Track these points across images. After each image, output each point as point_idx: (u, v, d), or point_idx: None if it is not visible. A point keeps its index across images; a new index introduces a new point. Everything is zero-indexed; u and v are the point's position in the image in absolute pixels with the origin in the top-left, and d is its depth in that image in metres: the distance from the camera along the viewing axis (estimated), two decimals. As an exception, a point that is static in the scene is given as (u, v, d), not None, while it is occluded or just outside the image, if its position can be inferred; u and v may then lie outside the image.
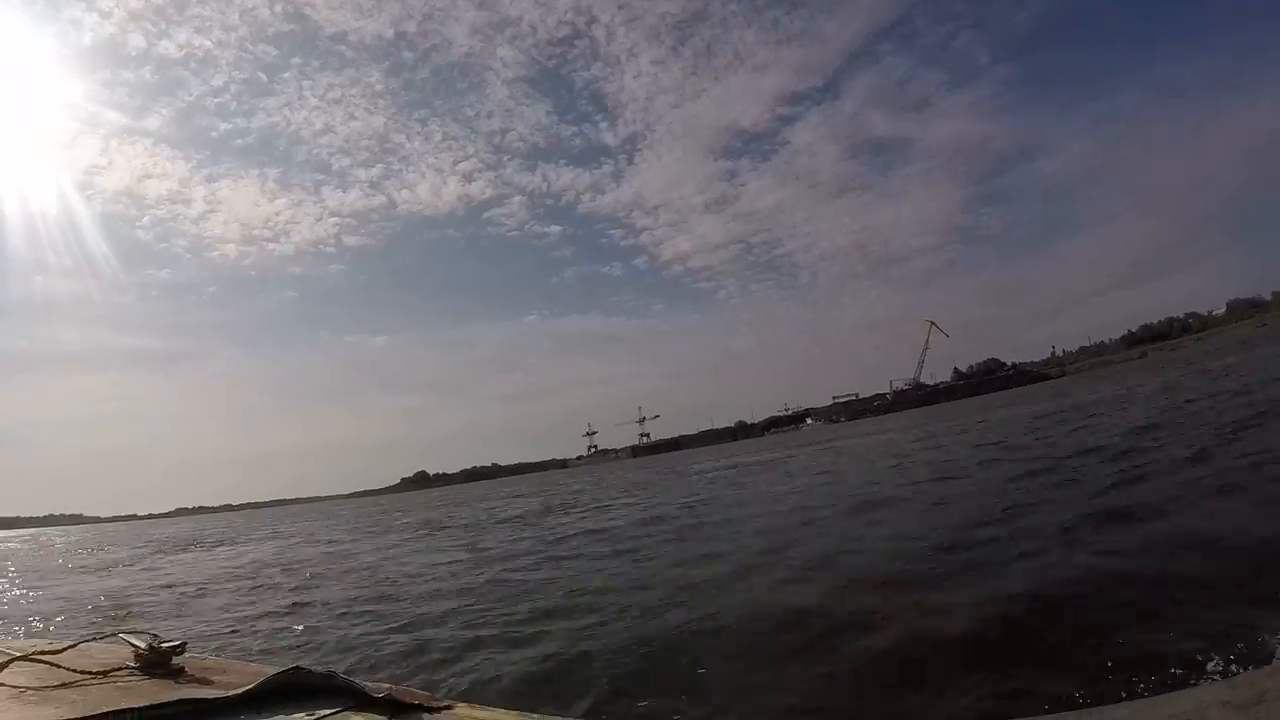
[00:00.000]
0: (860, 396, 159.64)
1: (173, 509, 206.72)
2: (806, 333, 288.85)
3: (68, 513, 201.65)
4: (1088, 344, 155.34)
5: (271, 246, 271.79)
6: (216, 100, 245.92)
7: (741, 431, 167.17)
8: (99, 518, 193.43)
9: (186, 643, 2.06)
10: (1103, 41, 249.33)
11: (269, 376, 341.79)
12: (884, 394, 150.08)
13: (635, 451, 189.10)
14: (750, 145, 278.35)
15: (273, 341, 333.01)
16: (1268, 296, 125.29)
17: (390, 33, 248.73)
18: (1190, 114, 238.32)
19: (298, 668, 1.71)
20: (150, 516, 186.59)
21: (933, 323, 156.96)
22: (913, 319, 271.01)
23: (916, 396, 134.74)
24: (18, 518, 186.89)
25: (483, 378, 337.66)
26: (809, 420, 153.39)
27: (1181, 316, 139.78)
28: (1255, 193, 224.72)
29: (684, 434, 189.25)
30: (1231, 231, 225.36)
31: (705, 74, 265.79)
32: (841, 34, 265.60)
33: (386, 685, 1.88)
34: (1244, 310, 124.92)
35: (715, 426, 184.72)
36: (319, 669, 1.69)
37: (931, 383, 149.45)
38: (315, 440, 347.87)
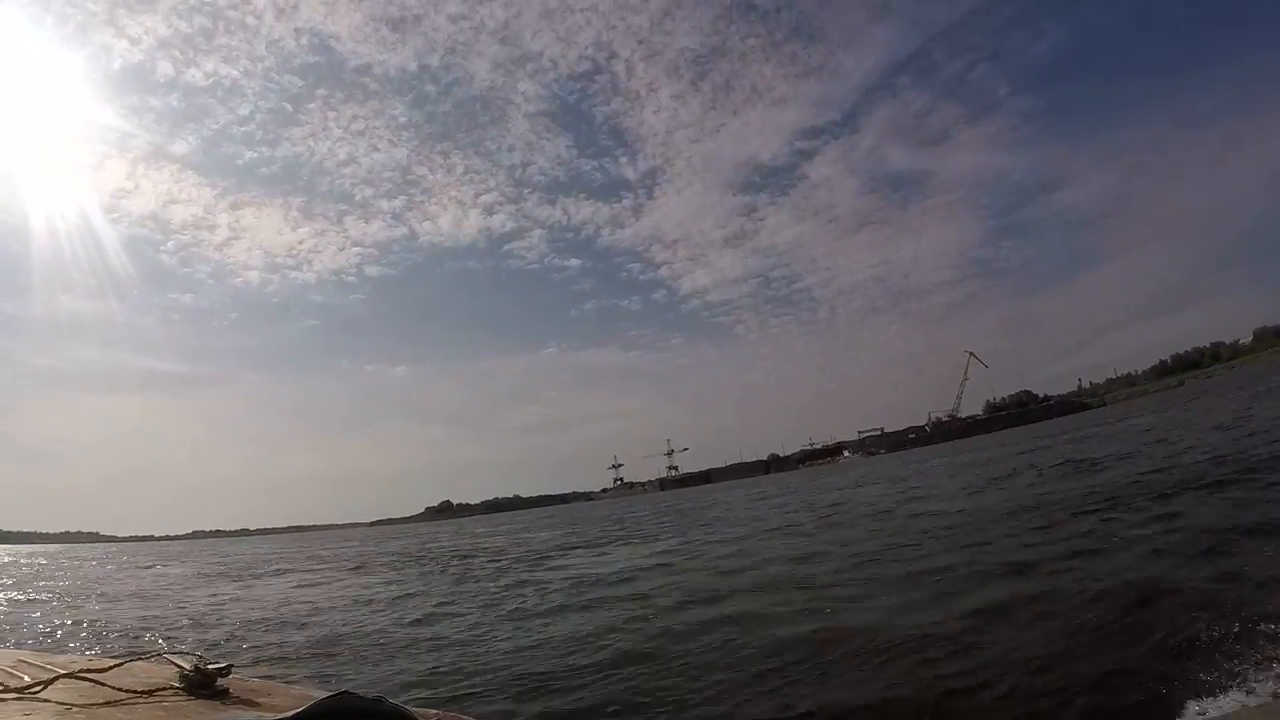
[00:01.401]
0: (885, 431, 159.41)
1: (189, 531, 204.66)
2: (826, 367, 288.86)
3: (85, 530, 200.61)
4: (1114, 375, 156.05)
5: (294, 275, 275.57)
6: (242, 129, 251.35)
7: (775, 464, 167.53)
8: (115, 536, 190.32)
9: (232, 665, 2.09)
10: (1121, 72, 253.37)
11: (288, 403, 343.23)
12: (921, 426, 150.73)
13: (663, 484, 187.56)
14: (769, 179, 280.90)
15: (293, 369, 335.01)
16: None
17: (414, 66, 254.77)
18: (1209, 142, 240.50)
19: (345, 692, 1.67)
20: (166, 538, 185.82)
21: (971, 353, 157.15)
22: (932, 353, 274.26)
23: (956, 428, 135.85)
24: (35, 533, 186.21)
25: (502, 409, 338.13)
26: (846, 453, 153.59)
27: (1208, 345, 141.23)
28: (1276, 220, 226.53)
29: (713, 467, 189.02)
30: (1253, 260, 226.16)
31: (724, 108, 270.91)
32: (859, 68, 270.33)
33: (435, 711, 1.94)
34: (1271, 338, 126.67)
35: (744, 460, 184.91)
36: (368, 694, 1.66)
37: (963, 415, 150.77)
38: (334, 468, 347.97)
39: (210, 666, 2.05)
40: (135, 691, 1.89)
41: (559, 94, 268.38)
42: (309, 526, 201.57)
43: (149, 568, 34.58)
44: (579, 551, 23.62)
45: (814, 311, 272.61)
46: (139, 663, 2.28)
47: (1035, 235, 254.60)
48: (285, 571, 26.98)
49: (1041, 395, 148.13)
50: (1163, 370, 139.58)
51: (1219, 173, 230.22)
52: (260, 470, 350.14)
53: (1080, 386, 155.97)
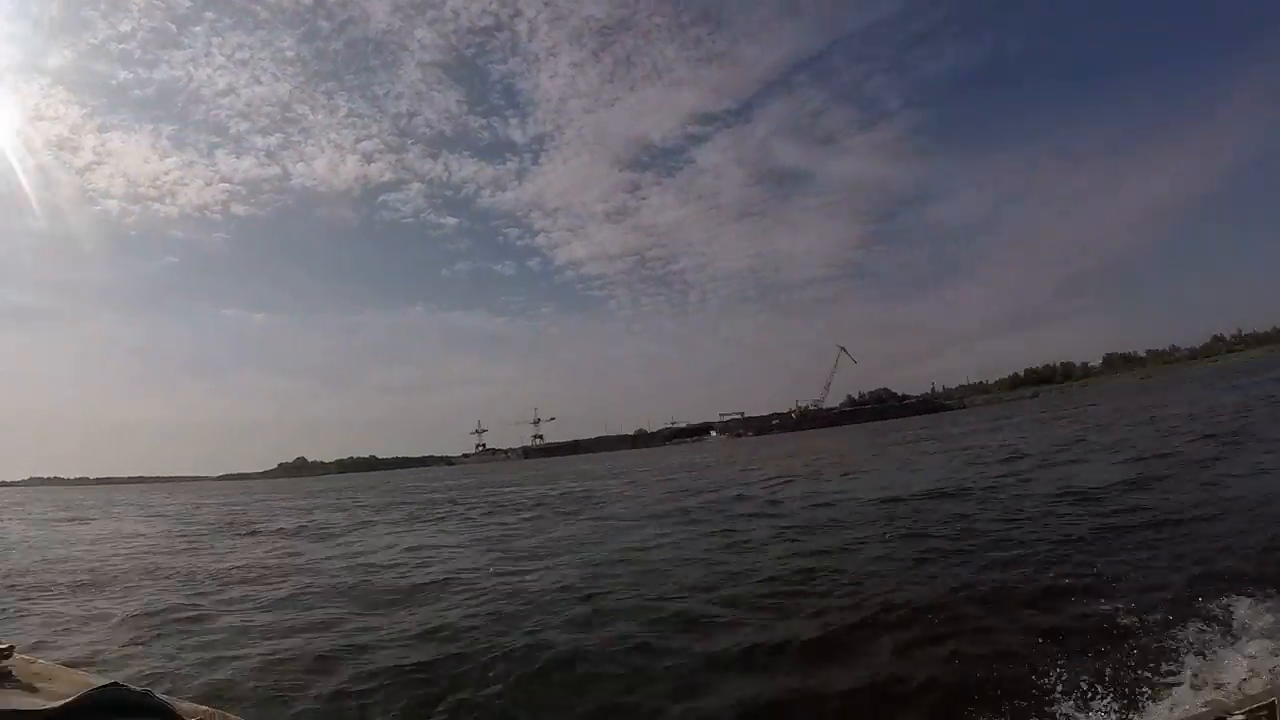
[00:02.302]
0: (746, 415, 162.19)
1: (26, 477, 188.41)
2: (693, 350, 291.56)
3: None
4: (967, 382, 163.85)
5: (156, 207, 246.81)
6: (121, 46, 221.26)
7: (642, 440, 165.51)
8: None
9: (14, 646, 1.96)
10: (1011, 101, 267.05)
11: (139, 344, 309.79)
12: (787, 413, 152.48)
13: (528, 452, 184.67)
14: (657, 159, 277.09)
15: (148, 308, 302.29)
16: (1143, 353, 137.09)
17: None
18: (1082, 178, 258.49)
19: (115, 684, 1.65)
20: (3, 484, 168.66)
21: (843, 348, 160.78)
22: (796, 346, 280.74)
23: (823, 417, 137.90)
24: None
25: (364, 366, 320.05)
26: (713, 433, 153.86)
27: (1059, 365, 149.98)
28: (1132, 258, 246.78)
29: (580, 438, 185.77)
30: (1109, 292, 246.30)
31: (622, 83, 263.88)
32: (761, 61, 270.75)
33: (205, 708, 1.88)
34: (1120, 363, 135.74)
35: (609, 434, 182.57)
36: (136, 688, 1.66)
37: (827, 407, 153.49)
38: (183, 416, 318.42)
39: None
40: None
41: (456, 46, 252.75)
42: (154, 478, 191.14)
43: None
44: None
45: (685, 294, 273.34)
46: None
47: (907, 244, 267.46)
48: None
49: (900, 394, 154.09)
50: (1016, 382, 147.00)
51: (1086, 208, 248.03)
52: (104, 414, 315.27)
53: (933, 389, 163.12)
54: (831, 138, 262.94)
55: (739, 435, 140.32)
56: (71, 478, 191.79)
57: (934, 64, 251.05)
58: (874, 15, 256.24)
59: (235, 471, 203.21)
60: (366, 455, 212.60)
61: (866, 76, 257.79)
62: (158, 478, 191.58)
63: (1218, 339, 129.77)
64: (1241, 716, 2.48)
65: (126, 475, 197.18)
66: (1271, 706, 2.38)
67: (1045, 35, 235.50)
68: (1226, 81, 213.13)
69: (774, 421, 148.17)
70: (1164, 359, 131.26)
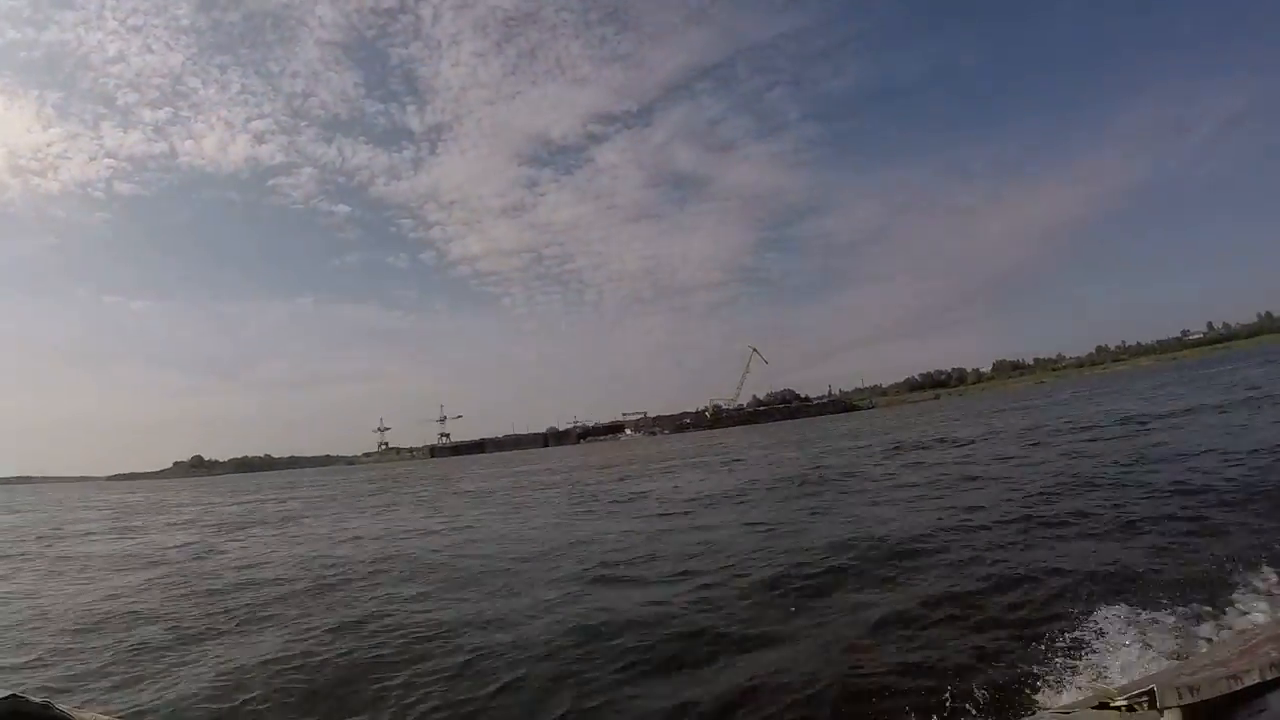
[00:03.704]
0: (648, 415, 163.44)
1: None
2: (589, 350, 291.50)
3: None
4: (862, 385, 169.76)
5: (37, 182, 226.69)
6: (9, 4, 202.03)
7: (554, 438, 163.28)
8: None
9: None
10: (905, 118, 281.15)
11: (11, 331, 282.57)
12: (700, 411, 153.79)
13: (434, 451, 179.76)
14: (556, 156, 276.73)
15: (22, 291, 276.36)
16: (1030, 360, 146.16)
17: None
18: (970, 195, 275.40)
19: (13, 695, 1.61)
20: None
21: (755, 349, 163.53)
22: (693, 347, 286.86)
23: (737, 416, 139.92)
24: None
25: (251, 359, 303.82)
26: (628, 431, 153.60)
27: (952, 370, 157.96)
28: (1017, 272, 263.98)
29: (488, 437, 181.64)
30: (995, 303, 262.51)
31: (524, 76, 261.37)
32: (665, 65, 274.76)
33: (106, 717, 1.85)
34: (1009, 370, 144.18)
35: (517, 432, 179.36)
36: (35, 699, 1.63)
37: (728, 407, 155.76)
38: (63, 412, 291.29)
39: None
40: None
41: (357, 25, 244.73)
42: (39, 478, 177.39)
43: None
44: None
45: (581, 294, 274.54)
46: None
47: (799, 252, 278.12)
48: None
49: (803, 395, 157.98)
50: (914, 385, 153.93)
51: (975, 224, 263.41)
52: None
53: (830, 391, 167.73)
54: (730, 145, 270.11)
55: (654, 434, 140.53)
56: None
57: (835, 80, 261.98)
58: (779, 29, 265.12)
59: (127, 471, 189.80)
60: (261, 454, 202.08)
61: (768, 88, 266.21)
62: (43, 478, 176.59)
63: (1102, 349, 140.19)
64: (1124, 702, 2.60)
65: (8, 475, 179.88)
66: (1151, 693, 2.49)
67: (942, 57, 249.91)
68: (1112, 109, 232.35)
69: (687, 420, 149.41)
70: (1051, 366, 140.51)
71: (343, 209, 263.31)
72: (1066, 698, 4.31)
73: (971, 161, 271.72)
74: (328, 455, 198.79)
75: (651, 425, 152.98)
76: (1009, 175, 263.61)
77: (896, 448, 25.02)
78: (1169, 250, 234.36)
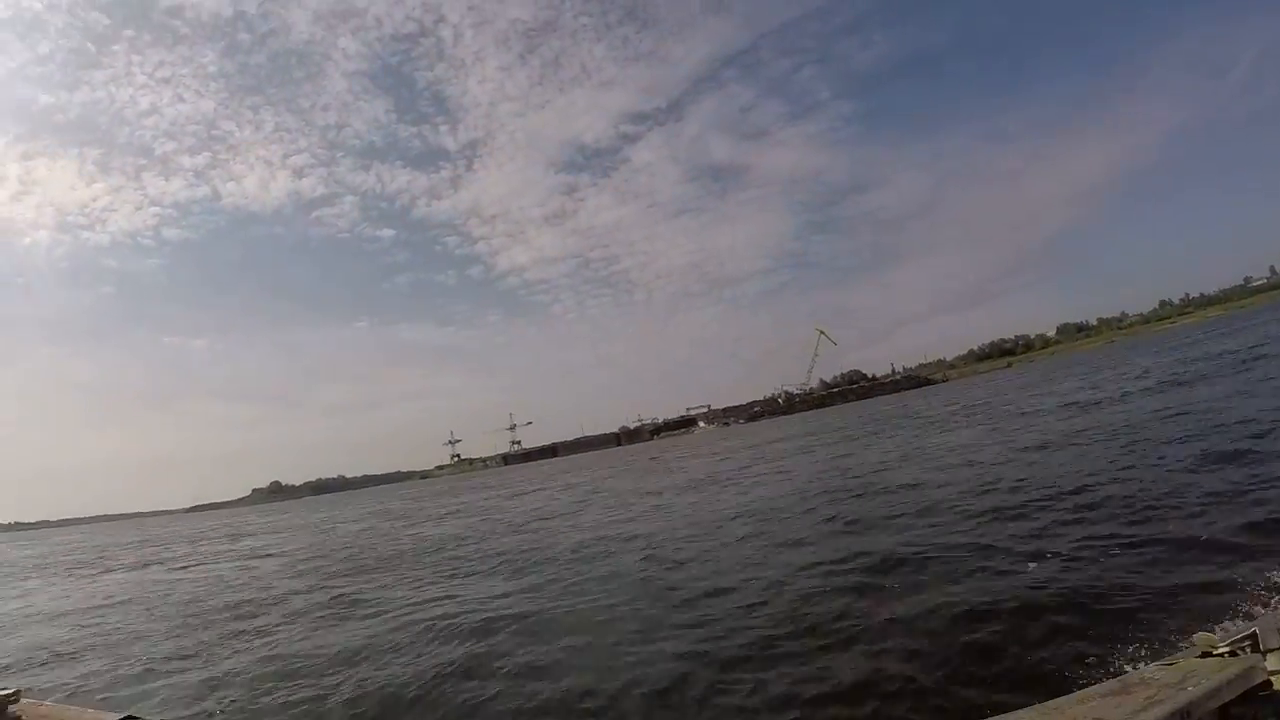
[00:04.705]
0: (712, 407, 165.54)
1: None
2: (644, 348, 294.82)
3: None
4: (925, 360, 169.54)
5: (87, 235, 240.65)
6: (41, 69, 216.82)
7: (626, 437, 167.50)
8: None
9: (20, 690, 1.96)
10: (938, 86, 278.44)
11: (82, 379, 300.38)
12: (773, 398, 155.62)
13: (507, 459, 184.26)
14: (591, 160, 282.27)
15: (87, 341, 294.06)
16: (1094, 321, 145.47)
17: (229, 11, 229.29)
18: (1012, 158, 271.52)
19: (130, 717, 1.67)
20: None
21: (822, 331, 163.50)
22: (747, 337, 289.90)
23: (810, 400, 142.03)
24: None
25: (313, 385, 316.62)
26: (700, 424, 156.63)
27: (1015, 337, 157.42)
28: (1067, 232, 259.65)
29: (560, 440, 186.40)
30: (1047, 265, 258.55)
31: (551, 85, 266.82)
32: (689, 58, 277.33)
33: None
34: (1073, 332, 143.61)
35: (587, 434, 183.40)
36: (153, 718, 1.66)
37: (799, 392, 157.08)
38: (139, 449, 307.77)
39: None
40: None
41: (381, 54, 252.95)
42: (117, 515, 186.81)
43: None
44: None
45: (631, 293, 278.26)
46: None
47: (845, 232, 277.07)
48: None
49: (870, 374, 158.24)
50: (980, 355, 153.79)
51: (1020, 187, 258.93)
52: (54, 455, 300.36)
53: (893, 369, 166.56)
54: (764, 131, 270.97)
55: (726, 424, 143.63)
56: (32, 521, 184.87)
57: (863, 54, 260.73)
58: (800, 8, 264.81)
59: (207, 501, 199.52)
60: (335, 475, 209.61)
61: (795, 69, 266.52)
62: (121, 515, 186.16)
63: (1165, 303, 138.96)
64: (1226, 648, 2.66)
65: (89, 515, 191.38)
66: (1254, 635, 2.59)
67: (969, 20, 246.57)
68: (1146, 58, 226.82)
69: (757, 408, 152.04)
70: (1115, 325, 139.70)
71: (388, 233, 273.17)
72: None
73: (1009, 124, 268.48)
74: (399, 471, 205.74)
75: (723, 416, 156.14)
76: (1048, 134, 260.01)
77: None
78: (1216, 195, 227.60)
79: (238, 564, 20.01)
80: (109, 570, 22.84)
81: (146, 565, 23.18)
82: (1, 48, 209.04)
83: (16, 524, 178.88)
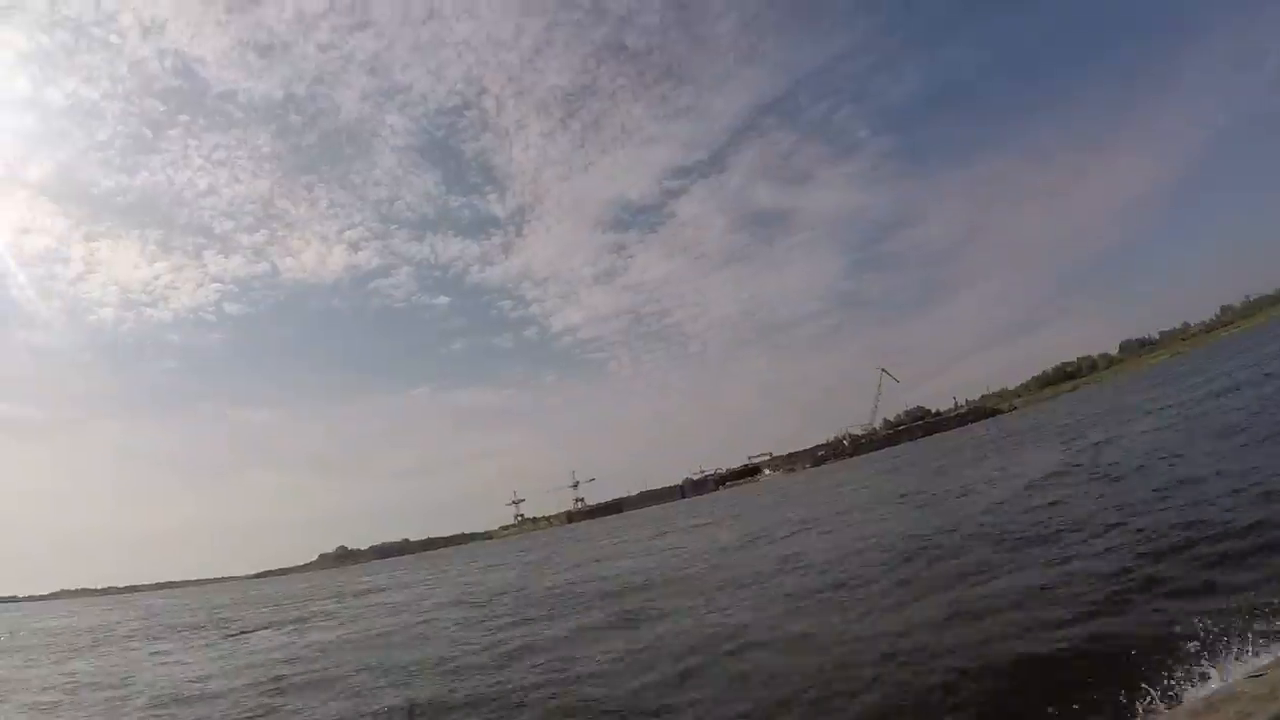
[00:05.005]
0: (774, 455, 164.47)
1: (55, 590, 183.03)
2: (700, 399, 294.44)
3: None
4: (988, 391, 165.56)
5: (150, 312, 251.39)
6: (100, 155, 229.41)
7: (691, 488, 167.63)
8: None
9: None
10: (973, 112, 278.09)
11: (147, 451, 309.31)
12: (838, 440, 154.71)
13: (571, 517, 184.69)
14: (637, 217, 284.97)
15: (151, 414, 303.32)
16: (1156, 335, 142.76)
17: (279, 94, 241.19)
18: (1053, 175, 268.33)
19: None
20: (30, 598, 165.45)
21: (884, 369, 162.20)
22: (804, 382, 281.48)
23: (875, 440, 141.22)
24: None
25: (376, 453, 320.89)
26: (766, 471, 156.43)
27: (1076, 359, 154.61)
28: (1116, 247, 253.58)
29: (623, 495, 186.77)
30: (1100, 283, 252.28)
31: (593, 146, 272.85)
32: (728, 109, 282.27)
33: None
34: (1135, 348, 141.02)
35: (650, 488, 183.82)
36: None
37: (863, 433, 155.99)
38: (205, 518, 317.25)
39: None
40: None
41: (428, 128, 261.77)
42: (182, 582, 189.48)
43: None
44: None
45: (685, 346, 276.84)
46: None
47: (894, 268, 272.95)
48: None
49: (933, 409, 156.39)
50: (1045, 381, 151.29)
51: (1064, 205, 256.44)
52: (120, 523, 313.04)
53: (955, 402, 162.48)
54: (806, 175, 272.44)
55: (791, 470, 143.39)
56: (98, 587, 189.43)
57: (896, 89, 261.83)
58: (831, 51, 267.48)
59: (274, 567, 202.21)
60: (399, 540, 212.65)
61: (832, 110, 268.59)
62: (186, 581, 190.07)
63: (1226, 308, 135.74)
64: None
65: (152, 582, 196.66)
66: None
67: (993, 41, 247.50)
68: (1179, 62, 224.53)
69: (821, 452, 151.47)
70: (1180, 336, 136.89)
71: (443, 300, 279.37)
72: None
73: (1047, 143, 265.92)
74: (462, 533, 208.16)
75: (787, 462, 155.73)
76: (1087, 149, 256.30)
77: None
78: (1266, 190, 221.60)
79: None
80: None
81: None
82: (62, 135, 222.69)
83: (84, 590, 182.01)
